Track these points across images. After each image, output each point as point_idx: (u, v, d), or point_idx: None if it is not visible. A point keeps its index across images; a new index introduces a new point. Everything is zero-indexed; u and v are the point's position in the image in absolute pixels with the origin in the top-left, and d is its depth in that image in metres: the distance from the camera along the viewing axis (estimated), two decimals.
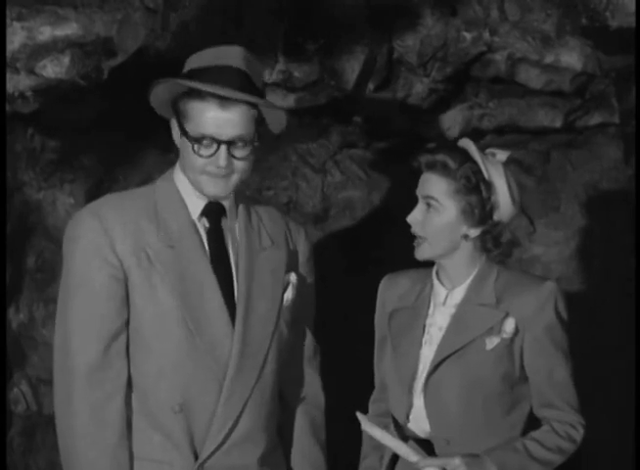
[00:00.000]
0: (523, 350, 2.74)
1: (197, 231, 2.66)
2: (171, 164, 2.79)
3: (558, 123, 4.19)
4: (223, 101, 2.55)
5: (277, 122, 2.69)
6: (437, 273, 2.83)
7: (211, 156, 2.58)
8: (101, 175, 3.81)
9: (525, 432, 2.75)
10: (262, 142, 2.66)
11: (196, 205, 2.67)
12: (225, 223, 2.69)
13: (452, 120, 4.16)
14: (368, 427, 2.75)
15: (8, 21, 3.22)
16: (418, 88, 4.02)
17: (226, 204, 2.69)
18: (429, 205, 2.74)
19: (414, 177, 2.82)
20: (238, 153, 2.59)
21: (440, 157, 2.72)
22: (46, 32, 3.27)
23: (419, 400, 2.76)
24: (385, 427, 2.79)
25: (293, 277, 2.74)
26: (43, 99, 3.38)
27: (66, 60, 3.32)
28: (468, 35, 3.87)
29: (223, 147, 2.57)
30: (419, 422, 2.77)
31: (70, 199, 3.73)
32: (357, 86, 3.91)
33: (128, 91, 3.21)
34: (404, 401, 2.78)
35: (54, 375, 2.66)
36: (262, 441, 2.70)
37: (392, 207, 4.18)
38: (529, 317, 2.72)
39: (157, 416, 2.61)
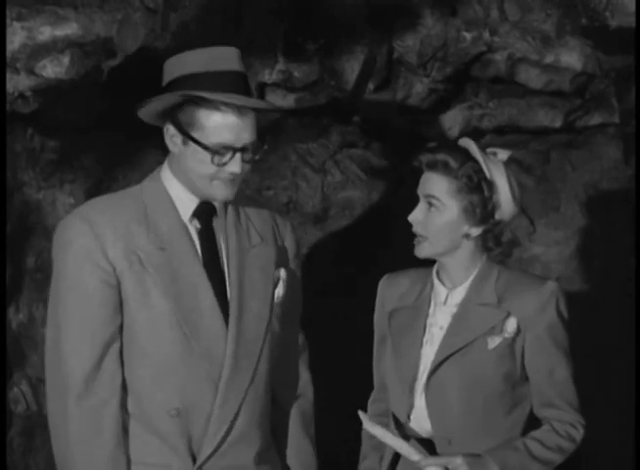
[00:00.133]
0: (524, 349, 2.74)
1: (187, 232, 2.64)
2: None
3: (558, 123, 4.19)
4: (238, 109, 2.54)
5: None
6: (438, 273, 2.83)
7: (225, 163, 2.57)
8: (100, 175, 3.81)
9: (525, 431, 2.75)
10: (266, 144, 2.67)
11: (186, 206, 2.64)
12: (216, 223, 2.68)
13: (452, 120, 4.17)
14: (369, 426, 2.75)
15: (8, 21, 3.23)
16: (418, 88, 4.02)
17: (216, 203, 2.67)
18: (430, 204, 2.74)
19: (414, 177, 2.82)
20: (248, 157, 2.59)
21: (442, 156, 2.72)
22: (46, 32, 3.27)
23: (420, 400, 2.76)
24: (384, 427, 2.79)
25: (282, 273, 2.73)
26: (43, 99, 3.38)
27: (65, 60, 3.32)
28: (468, 35, 3.88)
29: (238, 154, 2.56)
30: (420, 422, 2.77)
31: (70, 199, 3.73)
32: (357, 86, 3.91)
33: (128, 91, 3.21)
34: (405, 401, 2.78)
35: (47, 382, 2.63)
36: (257, 439, 2.70)
37: (393, 206, 4.18)
38: (531, 317, 2.72)
39: (153, 420, 2.60)
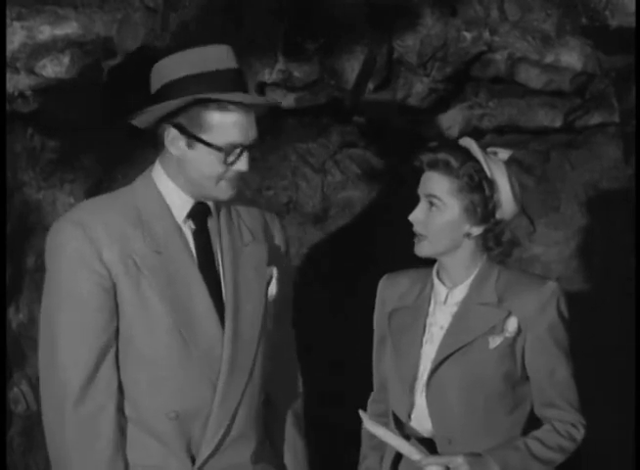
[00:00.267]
0: (524, 349, 2.74)
1: (182, 234, 2.62)
2: None
3: (558, 123, 4.19)
4: (245, 107, 2.54)
5: None
6: (438, 272, 2.83)
7: (234, 162, 2.57)
8: (100, 175, 3.81)
9: (526, 431, 2.75)
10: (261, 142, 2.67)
11: (181, 207, 2.62)
12: (210, 223, 2.68)
13: (452, 120, 4.17)
14: (370, 425, 2.75)
15: (8, 20, 3.23)
16: (418, 88, 4.02)
17: (211, 203, 2.66)
18: (431, 203, 2.74)
19: (414, 177, 2.82)
20: (253, 155, 2.59)
21: (442, 155, 2.72)
22: (46, 32, 3.28)
23: (421, 399, 2.76)
24: (385, 426, 2.79)
25: (274, 271, 2.73)
26: (43, 99, 3.38)
27: (65, 59, 3.32)
28: (468, 35, 3.88)
29: (246, 152, 2.57)
30: (421, 421, 2.77)
31: (70, 199, 3.72)
32: (357, 86, 3.91)
33: (128, 91, 3.21)
34: (406, 401, 2.78)
35: (42, 388, 2.60)
36: (254, 438, 2.70)
37: (393, 206, 4.18)
38: (532, 317, 2.72)
39: (151, 423, 2.59)
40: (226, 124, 2.53)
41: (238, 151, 2.55)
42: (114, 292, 2.55)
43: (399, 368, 2.81)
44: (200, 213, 2.65)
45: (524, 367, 2.75)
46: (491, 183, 2.72)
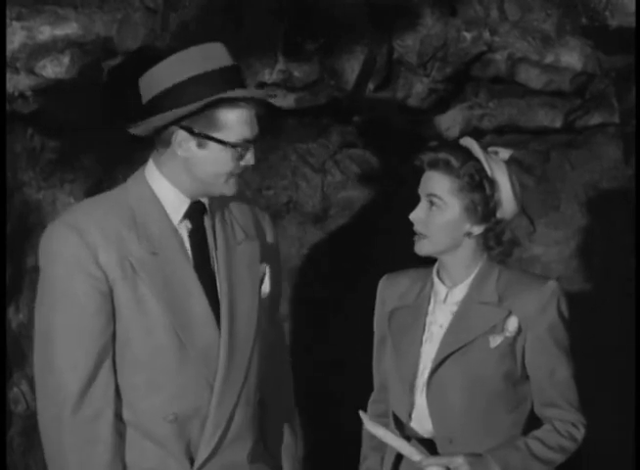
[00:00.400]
0: (524, 349, 2.74)
1: (178, 235, 2.61)
2: None
3: (558, 123, 4.19)
4: (251, 102, 2.56)
5: None
6: (438, 271, 2.83)
7: (243, 157, 2.58)
8: (100, 175, 3.81)
9: (526, 431, 2.75)
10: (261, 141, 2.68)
11: (176, 207, 2.62)
12: (207, 222, 2.67)
13: (452, 120, 4.17)
14: (370, 426, 2.75)
15: (8, 20, 3.23)
16: (418, 88, 4.02)
17: (206, 202, 2.66)
18: (432, 203, 2.74)
19: (414, 177, 2.82)
20: (256, 149, 2.61)
21: (443, 155, 2.72)
22: (46, 32, 3.27)
23: (421, 399, 2.76)
24: (385, 427, 2.79)
25: (267, 268, 2.73)
26: (43, 99, 3.38)
27: (65, 59, 3.32)
28: (468, 35, 3.88)
29: (252, 146, 2.58)
30: (421, 421, 2.77)
31: (70, 199, 3.72)
32: (357, 86, 3.91)
33: (128, 91, 3.21)
34: (406, 400, 2.78)
35: (38, 393, 2.59)
36: (250, 437, 2.70)
37: (393, 206, 4.18)
38: (532, 317, 2.72)
39: (149, 426, 2.58)
40: (237, 121, 2.54)
41: (247, 146, 2.56)
42: (110, 295, 2.54)
43: (399, 368, 2.81)
44: (196, 212, 2.64)
45: (524, 367, 2.75)
46: (492, 182, 2.72)
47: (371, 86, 3.95)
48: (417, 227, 2.76)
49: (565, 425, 2.74)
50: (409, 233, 2.79)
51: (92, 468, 2.54)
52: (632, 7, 3.59)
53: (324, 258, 4.34)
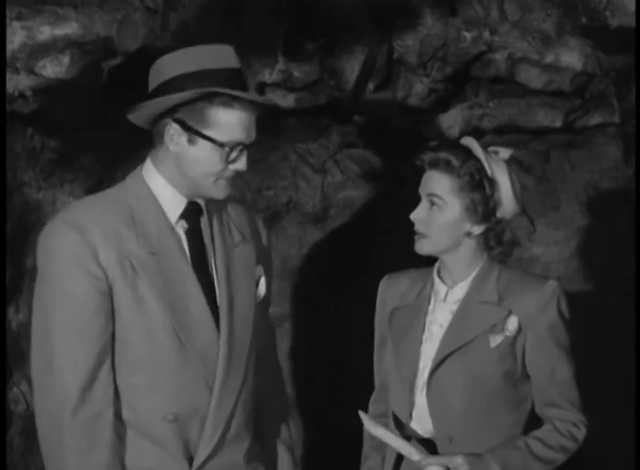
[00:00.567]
0: (525, 348, 2.74)
1: (175, 234, 2.60)
2: None
3: (558, 123, 4.19)
4: (249, 106, 2.54)
5: None
6: (439, 271, 2.83)
7: (234, 161, 2.57)
8: (100, 175, 3.81)
9: (527, 430, 2.75)
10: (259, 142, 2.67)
11: (174, 206, 2.61)
12: (203, 223, 2.66)
13: (452, 120, 4.17)
14: (370, 426, 2.75)
15: (8, 20, 3.23)
16: (418, 88, 4.02)
17: (202, 203, 2.65)
18: (432, 202, 2.74)
19: (414, 177, 2.82)
20: (250, 155, 2.59)
21: (443, 154, 2.72)
22: (46, 32, 3.28)
23: (421, 398, 2.76)
24: (385, 427, 2.79)
25: (262, 271, 2.73)
26: (43, 99, 3.38)
27: (65, 59, 3.32)
28: (468, 35, 3.88)
29: (246, 152, 2.57)
30: (421, 420, 2.77)
31: (70, 199, 3.72)
32: (357, 86, 3.91)
33: (128, 91, 3.21)
34: (406, 400, 2.78)
35: (36, 394, 2.57)
36: (247, 438, 2.70)
37: (393, 206, 4.17)
38: (532, 316, 2.72)
39: (148, 426, 2.57)
40: (230, 122, 2.53)
41: (239, 149, 2.55)
42: (110, 295, 2.53)
43: (399, 367, 2.81)
44: (193, 213, 2.63)
45: (524, 366, 2.75)
46: (492, 182, 2.72)
47: (371, 86, 3.95)
48: (417, 227, 2.76)
49: (565, 425, 2.74)
50: (409, 233, 2.79)
51: (91, 468, 2.52)
52: (632, 7, 3.60)
53: (324, 258, 4.34)
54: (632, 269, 4.03)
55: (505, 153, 2.79)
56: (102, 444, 2.53)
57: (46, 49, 3.29)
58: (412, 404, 2.78)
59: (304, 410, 4.21)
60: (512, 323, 2.72)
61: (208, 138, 2.53)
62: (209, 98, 2.52)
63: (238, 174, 2.59)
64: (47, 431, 2.55)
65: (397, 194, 4.17)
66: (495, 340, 2.72)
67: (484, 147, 2.78)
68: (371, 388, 3.01)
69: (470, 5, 3.87)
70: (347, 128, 4.27)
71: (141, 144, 3.79)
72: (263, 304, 2.77)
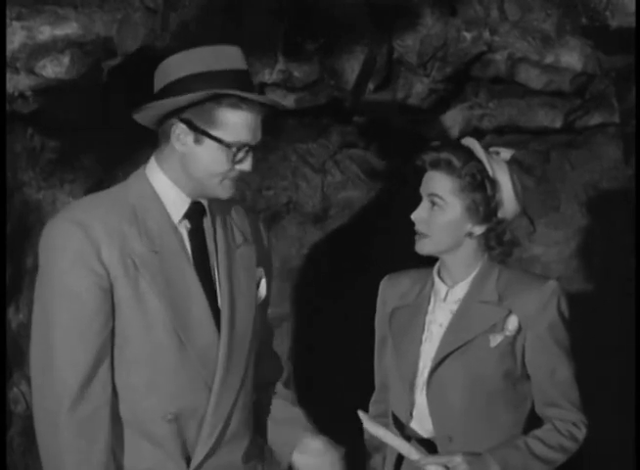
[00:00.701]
0: (524, 348, 2.74)
1: (178, 234, 2.60)
2: None
3: (558, 123, 4.19)
4: (255, 107, 2.54)
5: None
6: (439, 270, 2.83)
7: (240, 161, 2.57)
8: (100, 175, 3.81)
9: (527, 430, 2.76)
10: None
11: (177, 206, 2.60)
12: (206, 223, 2.66)
13: (452, 120, 4.17)
14: (370, 425, 2.75)
15: (8, 20, 3.23)
16: (418, 88, 4.02)
17: (205, 203, 2.65)
18: (433, 203, 2.74)
19: (415, 177, 2.82)
20: (255, 156, 2.59)
21: (445, 155, 2.72)
22: (46, 32, 3.28)
23: (421, 398, 2.76)
24: (385, 427, 2.79)
25: (262, 272, 2.73)
26: (43, 99, 3.38)
27: (65, 60, 3.32)
28: (468, 35, 3.88)
29: (251, 152, 2.57)
30: (421, 420, 2.77)
31: (70, 199, 3.72)
32: (357, 86, 3.91)
33: (128, 91, 3.21)
34: (406, 400, 2.78)
35: (34, 391, 2.56)
36: (246, 437, 2.69)
37: (393, 206, 4.18)
38: (532, 316, 2.72)
39: (147, 426, 2.56)
40: (237, 122, 2.53)
41: (245, 150, 2.56)
42: (110, 292, 2.52)
43: (399, 367, 2.81)
44: (196, 213, 2.63)
45: (523, 366, 2.76)
46: (493, 183, 2.73)
47: (371, 86, 3.95)
48: (418, 227, 2.77)
49: (566, 424, 2.74)
50: (409, 233, 2.79)
51: (89, 467, 2.52)
52: (632, 7, 3.60)
53: (324, 258, 4.34)
54: (632, 269, 4.03)
55: (506, 153, 2.79)
56: (99, 441, 2.52)
57: (46, 49, 3.29)
58: (412, 404, 2.78)
59: (304, 410, 4.21)
60: (512, 323, 2.72)
61: (216, 138, 2.53)
62: (217, 99, 2.51)
63: (242, 175, 2.60)
64: (45, 427, 2.54)
65: (397, 194, 4.17)
66: (495, 339, 2.72)
67: (485, 147, 2.78)
68: (371, 388, 3.01)
69: (470, 5, 3.87)
70: (347, 128, 4.27)
71: (141, 144, 3.79)
72: (263, 305, 2.77)
